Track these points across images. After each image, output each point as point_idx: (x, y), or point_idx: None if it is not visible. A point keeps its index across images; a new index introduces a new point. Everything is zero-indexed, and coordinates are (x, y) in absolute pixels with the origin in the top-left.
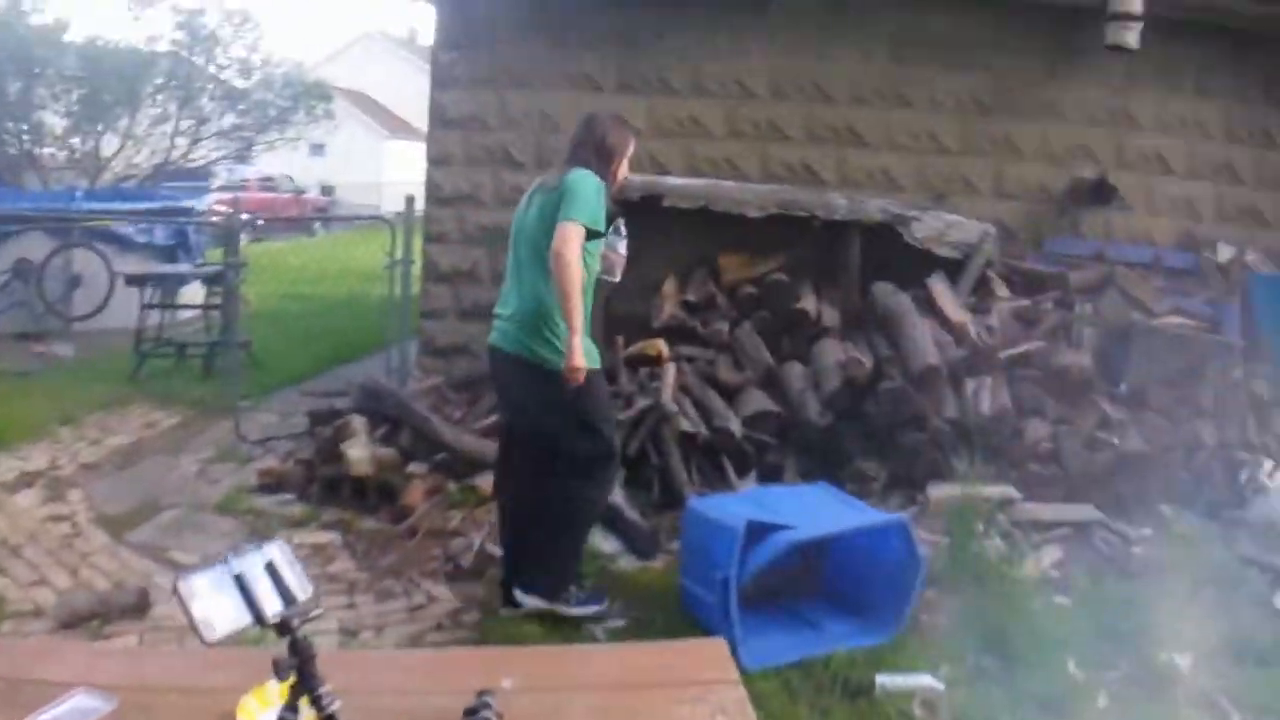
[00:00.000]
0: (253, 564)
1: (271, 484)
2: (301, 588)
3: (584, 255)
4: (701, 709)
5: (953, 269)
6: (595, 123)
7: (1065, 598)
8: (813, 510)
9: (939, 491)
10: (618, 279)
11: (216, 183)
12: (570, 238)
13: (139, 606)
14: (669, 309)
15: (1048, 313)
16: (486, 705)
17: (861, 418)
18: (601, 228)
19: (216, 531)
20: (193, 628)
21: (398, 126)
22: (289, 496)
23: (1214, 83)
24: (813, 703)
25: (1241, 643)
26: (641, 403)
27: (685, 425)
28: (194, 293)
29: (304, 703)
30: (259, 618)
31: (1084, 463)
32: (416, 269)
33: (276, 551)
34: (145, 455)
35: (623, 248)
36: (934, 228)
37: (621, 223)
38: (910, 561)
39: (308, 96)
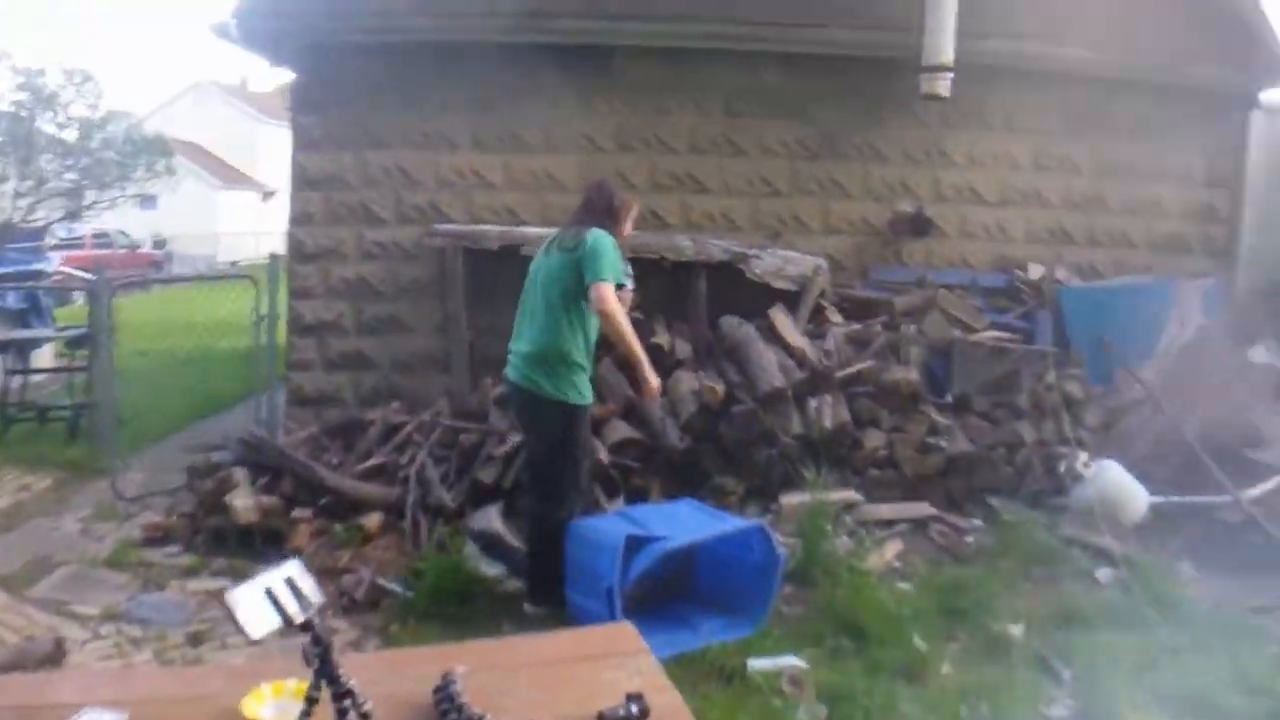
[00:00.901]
0: (276, 579)
1: (158, 537)
2: (314, 594)
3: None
4: (622, 673)
5: (790, 300)
6: (605, 187)
7: (908, 584)
8: (681, 522)
9: (790, 499)
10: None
11: (52, 242)
12: (608, 295)
13: (54, 657)
14: None
15: (877, 334)
16: (452, 682)
17: (717, 439)
18: (625, 281)
19: (112, 584)
20: (239, 629)
21: (231, 177)
22: (176, 548)
23: (1021, 121)
24: (693, 689)
25: (1069, 611)
26: (514, 439)
27: None
28: (40, 356)
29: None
30: (287, 619)
31: (917, 465)
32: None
33: (294, 569)
34: (26, 517)
35: (630, 287)
36: (771, 263)
37: (628, 267)
38: (771, 560)
39: (148, 151)
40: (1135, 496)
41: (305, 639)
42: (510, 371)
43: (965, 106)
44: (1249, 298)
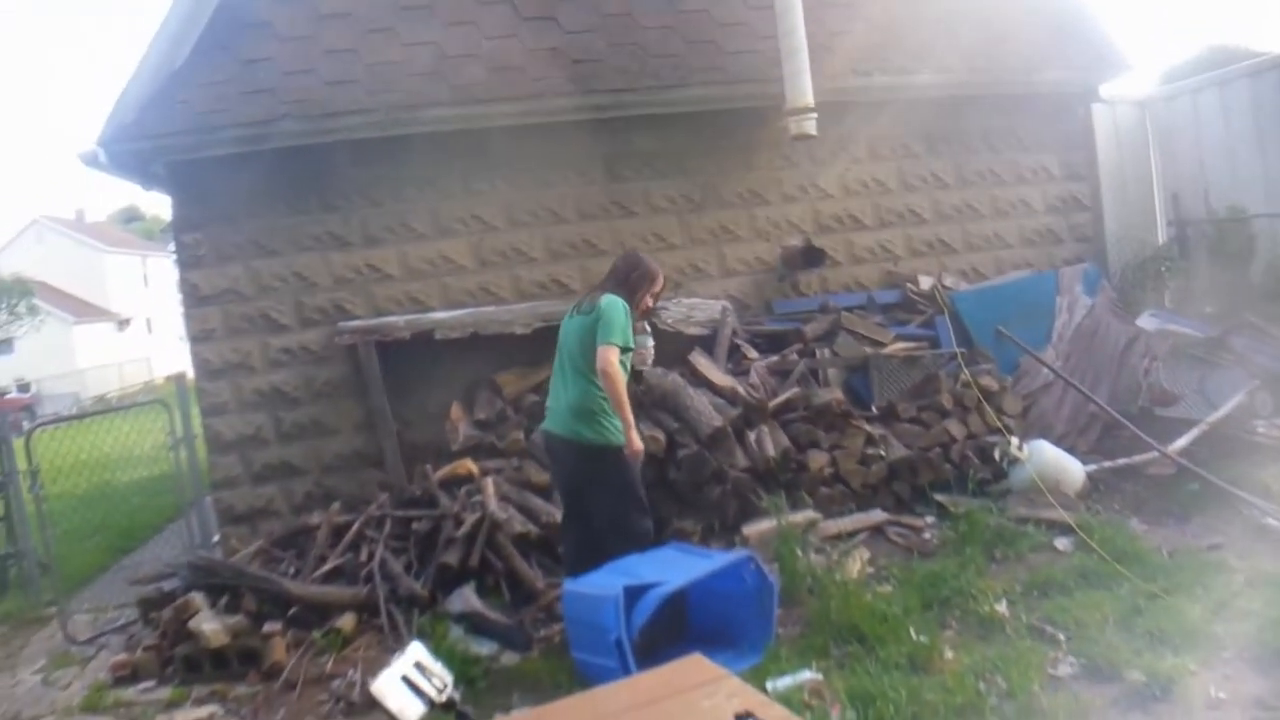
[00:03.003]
0: (407, 665)
1: (127, 675)
2: (443, 673)
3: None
4: (719, 698)
5: (704, 343)
6: (631, 259)
7: (886, 585)
8: (671, 565)
9: (753, 529)
10: (649, 365)
11: None
12: (611, 358)
13: None
14: (464, 430)
15: (795, 362)
16: None
17: (669, 485)
18: (632, 344)
19: None
20: (394, 717)
21: (82, 310)
22: (149, 683)
23: (884, 148)
24: None
25: (1043, 581)
26: (471, 517)
27: (517, 527)
28: None
29: None
30: (430, 702)
31: (862, 476)
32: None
33: (417, 651)
34: None
35: (650, 344)
36: (679, 312)
37: (646, 324)
38: (765, 586)
39: (7, 294)
40: (1071, 468)
41: None
42: (551, 424)
43: (831, 142)
44: (1123, 273)
